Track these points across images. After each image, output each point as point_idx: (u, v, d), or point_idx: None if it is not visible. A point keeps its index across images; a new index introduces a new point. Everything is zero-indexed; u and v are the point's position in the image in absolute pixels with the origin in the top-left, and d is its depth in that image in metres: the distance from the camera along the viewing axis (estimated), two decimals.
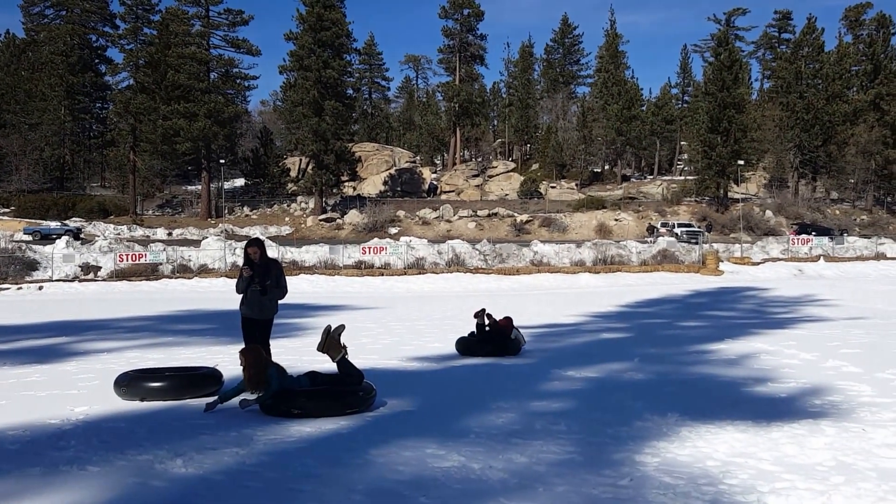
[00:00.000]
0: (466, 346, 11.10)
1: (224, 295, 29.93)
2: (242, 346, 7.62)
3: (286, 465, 5.10)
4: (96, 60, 74.69)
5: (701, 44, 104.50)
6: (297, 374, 7.35)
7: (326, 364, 7.51)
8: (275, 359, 7.54)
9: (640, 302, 22.35)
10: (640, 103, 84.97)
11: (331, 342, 7.09)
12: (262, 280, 7.96)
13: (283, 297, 8.15)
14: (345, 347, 7.11)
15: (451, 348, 11.43)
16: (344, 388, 6.93)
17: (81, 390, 8.19)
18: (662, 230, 50.36)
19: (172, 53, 61.05)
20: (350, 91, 68.45)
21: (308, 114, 60.84)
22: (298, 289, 33.73)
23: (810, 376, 8.65)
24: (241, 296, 8.10)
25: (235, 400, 6.99)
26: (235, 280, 8.43)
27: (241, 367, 7.00)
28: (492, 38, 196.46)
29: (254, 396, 6.94)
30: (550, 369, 9.35)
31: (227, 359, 9.77)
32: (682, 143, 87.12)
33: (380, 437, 5.84)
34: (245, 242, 8.74)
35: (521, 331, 11.35)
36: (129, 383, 7.45)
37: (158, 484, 4.70)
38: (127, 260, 35.12)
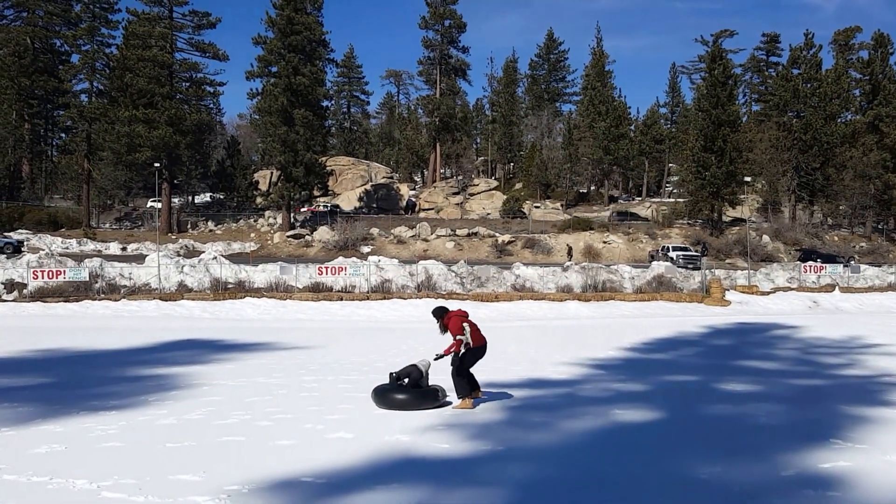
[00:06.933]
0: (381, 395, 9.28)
1: (144, 324, 25.34)
2: None
3: None
4: (60, 66, 69.89)
5: (689, 65, 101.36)
6: None
7: None
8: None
9: (649, 343, 17.73)
10: (628, 122, 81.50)
11: None
12: None
13: None
14: None
15: (368, 451, 6.85)
16: None
17: None
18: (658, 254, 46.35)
19: (132, 56, 56.66)
20: (325, 102, 64.15)
21: (276, 122, 56.64)
22: (240, 315, 29.15)
23: None
24: None
25: None
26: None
27: None
28: (475, 57, 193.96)
29: None
30: None
31: None
32: (671, 164, 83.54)
33: None
34: None
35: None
36: None
37: None
38: (42, 277, 30.12)
